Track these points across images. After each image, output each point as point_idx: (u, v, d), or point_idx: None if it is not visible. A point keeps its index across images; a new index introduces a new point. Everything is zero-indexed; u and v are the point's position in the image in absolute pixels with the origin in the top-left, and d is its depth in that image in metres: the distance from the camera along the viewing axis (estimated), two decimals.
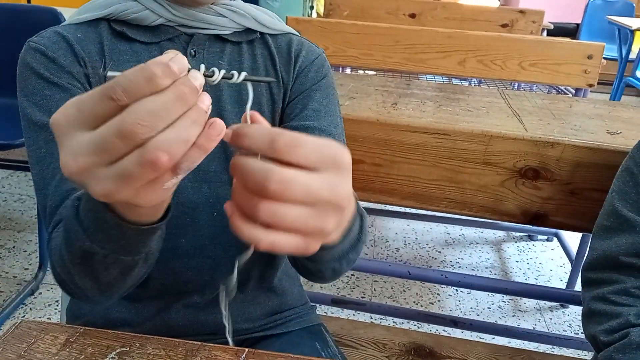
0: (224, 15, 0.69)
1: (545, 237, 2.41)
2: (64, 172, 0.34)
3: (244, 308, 0.77)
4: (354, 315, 1.82)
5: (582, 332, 0.84)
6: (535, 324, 1.89)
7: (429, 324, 1.76)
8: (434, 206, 1.14)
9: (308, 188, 0.35)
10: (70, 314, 0.79)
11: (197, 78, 0.35)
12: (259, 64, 0.73)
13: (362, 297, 1.96)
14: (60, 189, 0.59)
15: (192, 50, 0.69)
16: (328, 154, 0.36)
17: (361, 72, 2.63)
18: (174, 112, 0.33)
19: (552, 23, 3.07)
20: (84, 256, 0.50)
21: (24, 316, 1.75)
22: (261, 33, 0.74)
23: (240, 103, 0.70)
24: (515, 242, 2.42)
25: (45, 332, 0.61)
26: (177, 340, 0.61)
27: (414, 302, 1.96)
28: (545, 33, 2.91)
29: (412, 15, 2.59)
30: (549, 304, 1.99)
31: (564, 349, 1.63)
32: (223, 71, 0.39)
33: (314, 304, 0.89)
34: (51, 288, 1.88)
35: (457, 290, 2.04)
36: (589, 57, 1.87)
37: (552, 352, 1.50)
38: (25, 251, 2.06)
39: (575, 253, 2.00)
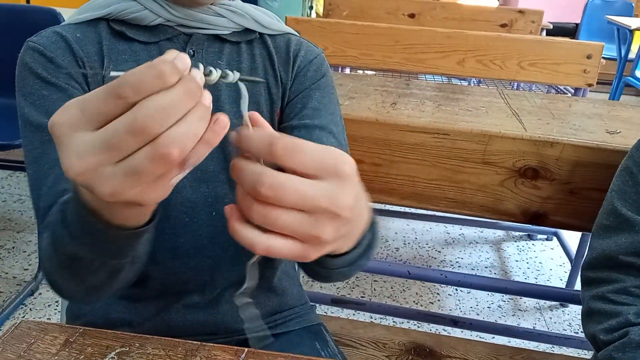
0: (223, 16, 0.69)
1: (545, 236, 2.42)
2: (67, 174, 0.34)
3: None
4: (353, 315, 1.82)
5: (581, 331, 0.84)
6: (535, 324, 1.89)
7: (428, 324, 1.76)
8: (433, 206, 1.15)
9: (301, 194, 0.34)
10: (70, 314, 0.79)
11: (198, 76, 0.36)
12: (257, 64, 0.73)
13: (362, 297, 1.96)
14: (53, 190, 0.59)
15: (190, 50, 0.69)
16: (328, 162, 0.35)
17: (360, 72, 2.64)
18: (183, 107, 0.34)
19: (551, 23, 3.07)
20: (70, 260, 0.50)
21: (23, 316, 1.75)
22: (260, 33, 0.74)
23: (238, 103, 0.70)
24: (515, 241, 2.42)
25: (44, 332, 0.61)
26: (177, 340, 0.61)
27: (414, 301, 1.96)
28: (544, 33, 2.91)
29: (412, 15, 2.59)
30: (548, 303, 1.99)
31: (564, 348, 1.63)
32: (220, 71, 0.39)
33: (313, 304, 0.89)
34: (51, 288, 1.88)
35: (457, 289, 2.04)
36: (588, 57, 1.87)
37: (552, 352, 1.50)
38: (24, 252, 2.06)
39: (574, 252, 2.01)
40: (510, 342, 1.66)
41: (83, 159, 0.34)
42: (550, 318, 1.92)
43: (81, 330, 0.61)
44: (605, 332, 0.76)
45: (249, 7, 0.72)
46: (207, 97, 0.36)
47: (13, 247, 2.09)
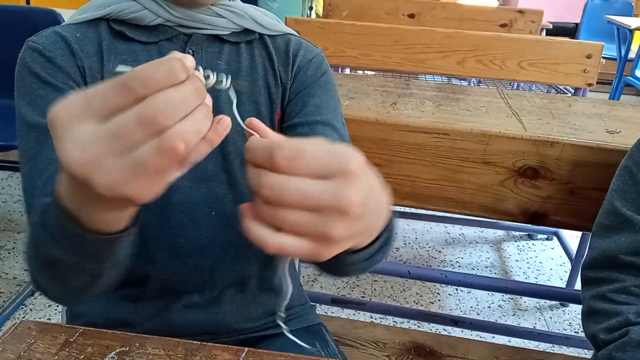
0: (223, 16, 0.69)
1: (545, 236, 2.42)
2: (66, 165, 0.34)
3: (244, 308, 0.77)
4: (354, 314, 1.82)
5: (582, 331, 0.84)
6: (536, 323, 1.89)
7: (429, 324, 1.76)
8: (433, 206, 1.15)
9: (303, 193, 0.34)
10: (70, 314, 0.79)
11: (202, 78, 0.37)
12: (257, 63, 0.73)
13: (362, 297, 1.96)
14: (45, 190, 0.59)
15: (190, 50, 0.69)
16: (332, 161, 0.35)
17: (360, 72, 2.64)
18: (191, 104, 0.35)
19: (551, 23, 3.07)
20: (50, 262, 0.50)
21: (24, 317, 1.75)
22: (259, 34, 0.74)
23: (238, 103, 0.70)
24: (515, 241, 2.42)
25: (44, 332, 0.61)
26: (177, 340, 0.61)
27: (414, 301, 1.96)
28: (544, 33, 2.91)
29: (411, 16, 2.59)
30: (549, 302, 1.99)
31: (564, 347, 1.63)
32: (216, 75, 0.40)
33: (313, 304, 0.89)
34: None
35: (457, 289, 2.04)
36: (588, 57, 1.87)
37: (552, 351, 1.50)
38: (25, 252, 2.06)
39: (575, 252, 2.01)
40: (510, 341, 1.66)
41: (85, 149, 0.34)
42: (551, 318, 1.92)
43: (81, 330, 0.61)
44: (605, 332, 0.76)
45: (248, 7, 0.72)
46: (209, 98, 0.37)
47: (13, 248, 2.09)
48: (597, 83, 1.93)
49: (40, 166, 0.61)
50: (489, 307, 1.96)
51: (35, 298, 1.83)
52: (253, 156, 0.36)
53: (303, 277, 2.01)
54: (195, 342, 0.61)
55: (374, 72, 2.64)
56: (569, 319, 1.92)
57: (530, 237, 2.44)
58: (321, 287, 1.99)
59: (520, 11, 2.58)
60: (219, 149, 0.69)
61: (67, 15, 1.51)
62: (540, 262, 2.25)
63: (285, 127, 0.72)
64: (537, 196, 1.09)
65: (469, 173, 1.10)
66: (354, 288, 2.01)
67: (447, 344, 1.06)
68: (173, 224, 0.69)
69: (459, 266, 2.19)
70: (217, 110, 0.41)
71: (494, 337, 1.70)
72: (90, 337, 0.60)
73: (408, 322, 1.80)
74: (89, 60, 0.67)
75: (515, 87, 2.90)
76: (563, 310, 1.96)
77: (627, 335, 0.73)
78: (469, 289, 2.02)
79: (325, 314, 1.57)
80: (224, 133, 0.37)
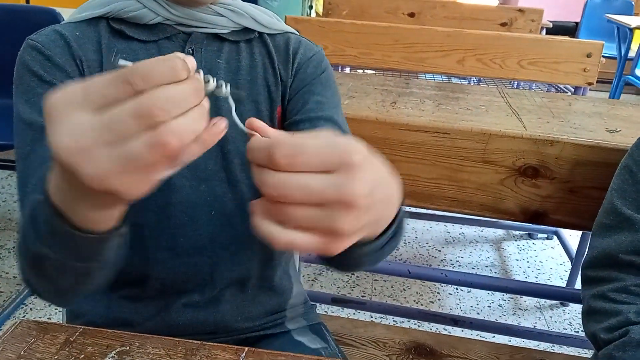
0: (223, 15, 0.69)
1: (545, 235, 2.42)
2: (56, 152, 0.34)
3: (244, 307, 0.77)
4: (354, 314, 1.82)
5: (582, 330, 0.85)
6: (536, 323, 1.89)
7: (429, 323, 1.76)
8: (433, 205, 1.15)
9: (306, 190, 0.34)
10: (70, 314, 0.79)
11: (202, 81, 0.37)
12: (257, 62, 0.73)
13: (362, 296, 1.96)
14: (39, 187, 0.59)
15: (189, 49, 0.69)
16: (333, 155, 0.35)
17: (360, 71, 2.63)
18: (189, 102, 0.35)
19: (551, 22, 3.07)
20: (39, 260, 0.50)
21: (24, 316, 1.75)
22: (259, 32, 0.74)
23: (237, 102, 0.70)
24: (515, 240, 2.42)
25: (45, 332, 0.61)
26: (177, 339, 0.61)
27: (414, 300, 1.96)
28: (544, 32, 2.90)
29: (411, 15, 2.59)
30: (549, 302, 1.99)
31: (564, 347, 1.63)
32: (216, 81, 0.40)
33: (313, 303, 0.89)
34: None
35: (457, 288, 2.04)
36: (588, 56, 1.87)
37: (552, 351, 1.50)
38: (15, 249, 2.06)
39: (575, 251, 2.00)
40: (510, 341, 1.66)
41: (77, 137, 0.33)
42: (551, 317, 1.92)
43: (81, 329, 0.61)
44: (605, 331, 0.76)
45: (248, 6, 0.72)
46: (207, 102, 0.37)
47: (13, 247, 2.09)
48: (597, 82, 1.93)
49: (35, 164, 0.61)
50: (489, 306, 1.96)
51: (36, 298, 1.83)
52: (254, 156, 0.36)
53: (303, 276, 2.01)
54: (195, 341, 0.61)
55: (373, 71, 2.64)
56: (569, 318, 1.92)
57: (531, 236, 2.44)
58: (321, 286, 1.99)
59: (520, 10, 2.57)
60: (218, 148, 0.69)
61: (67, 14, 1.51)
62: (541, 262, 2.25)
63: (286, 124, 0.72)
64: (537, 195, 1.09)
65: (469, 172, 1.09)
66: (354, 287, 2.01)
67: (448, 343, 1.06)
68: (173, 223, 0.69)
69: (459, 265, 2.19)
70: (216, 111, 0.41)
71: (494, 336, 1.70)
72: (91, 337, 0.60)
73: (408, 321, 1.80)
74: (88, 59, 0.67)
75: (515, 86, 2.90)
76: (563, 310, 1.96)
77: (628, 335, 0.73)
78: (469, 289, 2.02)
79: (325, 313, 1.57)
80: (219, 136, 0.37)
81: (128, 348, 0.59)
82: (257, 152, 0.35)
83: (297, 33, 0.78)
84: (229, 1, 0.71)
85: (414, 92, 1.31)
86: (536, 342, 1.63)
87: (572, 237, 2.19)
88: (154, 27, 0.68)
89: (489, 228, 2.46)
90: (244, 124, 0.44)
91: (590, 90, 2.03)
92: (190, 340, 0.61)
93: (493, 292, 2.01)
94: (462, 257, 2.24)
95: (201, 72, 0.38)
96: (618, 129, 1.11)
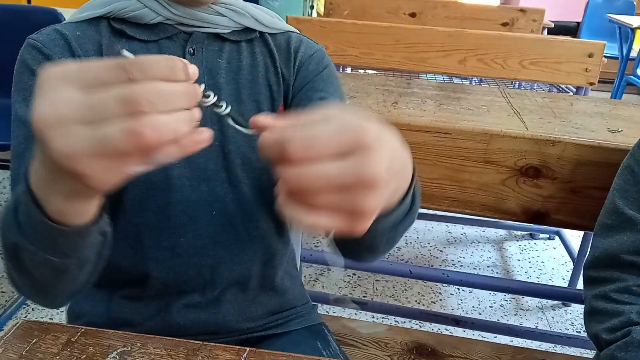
0: (224, 15, 0.69)
1: (547, 235, 2.41)
2: (35, 120, 0.34)
3: (245, 307, 0.77)
4: (355, 314, 1.82)
5: (584, 331, 0.84)
6: (538, 323, 1.89)
7: (430, 323, 1.76)
8: (435, 205, 1.14)
9: (326, 178, 0.34)
10: (72, 314, 0.79)
11: (200, 93, 0.37)
12: (258, 61, 0.73)
13: (364, 297, 1.96)
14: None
15: (190, 49, 0.69)
16: (346, 139, 0.34)
17: (362, 71, 2.63)
18: (178, 102, 0.35)
19: (552, 22, 3.07)
20: (15, 251, 0.50)
21: (26, 316, 1.75)
22: (260, 32, 0.74)
23: (239, 102, 0.70)
24: (517, 240, 2.41)
25: (46, 332, 0.61)
26: (178, 339, 0.61)
27: (416, 301, 1.96)
28: (545, 32, 2.90)
29: (413, 14, 2.59)
30: (551, 302, 1.99)
31: (566, 347, 1.63)
32: (216, 97, 0.40)
33: (315, 303, 0.89)
34: None
35: (458, 289, 2.04)
36: (590, 56, 1.87)
37: (554, 351, 1.50)
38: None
39: (577, 251, 2.00)
40: (512, 341, 1.66)
41: (59, 109, 0.34)
42: (553, 317, 1.92)
43: (83, 330, 0.61)
44: (607, 332, 0.76)
45: (249, 6, 0.72)
46: (198, 111, 0.37)
47: None
48: (599, 82, 1.93)
49: (27, 162, 0.61)
50: (490, 306, 1.95)
51: None
52: (267, 154, 0.35)
53: (305, 276, 2.01)
54: (196, 342, 0.61)
55: (375, 71, 2.64)
56: (571, 318, 1.92)
57: (532, 236, 2.43)
58: (323, 286, 1.99)
59: (522, 10, 2.57)
60: (219, 148, 0.69)
61: (68, 14, 1.51)
62: (542, 262, 2.25)
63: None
64: (539, 195, 1.08)
65: (471, 172, 1.09)
66: (355, 288, 2.01)
67: (449, 343, 1.06)
68: (173, 223, 0.69)
69: (461, 266, 2.19)
70: (218, 115, 0.41)
71: (495, 336, 1.70)
72: (92, 337, 0.60)
73: (410, 321, 1.80)
74: (88, 59, 0.67)
75: (516, 86, 2.90)
76: (565, 310, 1.96)
77: (630, 335, 0.73)
78: (470, 289, 2.02)
79: (327, 313, 1.57)
80: (200, 145, 0.37)
81: (129, 348, 0.59)
82: (269, 149, 0.35)
83: (298, 32, 0.78)
84: (230, 1, 0.71)
85: (416, 92, 1.30)
86: (538, 343, 1.63)
87: (574, 237, 2.19)
88: (155, 26, 0.68)
89: (490, 228, 2.45)
90: (246, 124, 0.43)
91: (591, 90, 2.03)
92: (192, 341, 0.61)
93: (495, 293, 2.01)
94: (463, 258, 2.24)
95: (203, 85, 0.38)
96: (620, 129, 1.11)
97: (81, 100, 0.34)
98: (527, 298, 2.00)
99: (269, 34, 0.74)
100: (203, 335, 0.73)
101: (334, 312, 1.75)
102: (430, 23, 2.50)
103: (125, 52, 0.36)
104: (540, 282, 2.10)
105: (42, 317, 1.75)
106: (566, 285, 2.06)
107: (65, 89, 0.34)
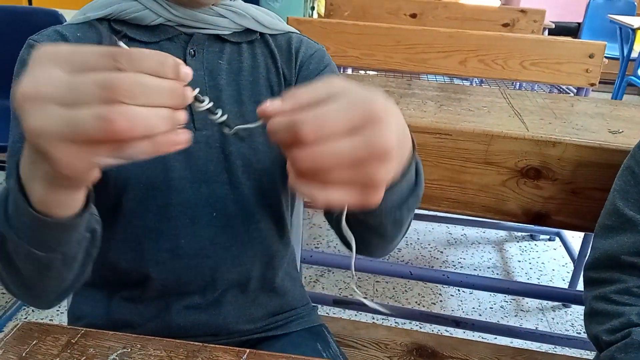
0: (224, 16, 0.69)
1: (548, 236, 2.41)
2: (15, 92, 0.34)
3: (245, 309, 0.77)
4: (355, 315, 1.82)
5: (584, 332, 0.84)
6: (538, 324, 1.88)
7: (430, 324, 1.76)
8: (435, 206, 1.14)
9: (339, 155, 0.34)
10: (72, 315, 0.79)
11: (190, 95, 0.36)
12: (259, 62, 0.73)
13: (364, 298, 1.96)
14: None
15: (191, 50, 0.69)
16: (357, 114, 0.34)
17: (362, 72, 2.63)
18: (158, 98, 0.34)
19: (553, 22, 3.06)
20: (2, 242, 0.50)
21: (26, 318, 1.75)
22: (261, 33, 0.74)
23: (239, 103, 0.70)
24: (518, 241, 2.41)
25: (46, 334, 0.61)
26: (179, 341, 0.61)
27: (416, 302, 1.96)
28: (546, 32, 2.90)
29: (413, 15, 2.59)
30: (551, 303, 1.99)
31: (567, 348, 1.63)
32: (211, 103, 0.40)
33: (315, 305, 0.89)
34: None
35: (459, 290, 2.04)
36: (591, 56, 1.87)
37: (554, 352, 1.49)
38: None
39: (577, 252, 2.00)
40: (512, 342, 1.65)
41: (39, 85, 0.34)
42: (553, 318, 1.92)
43: (83, 331, 0.61)
44: (607, 333, 0.76)
45: (250, 7, 0.72)
46: (183, 114, 0.36)
47: None
48: (600, 83, 1.93)
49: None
50: (491, 308, 1.95)
51: None
52: (278, 138, 0.35)
53: (305, 278, 2.01)
54: (196, 343, 0.61)
55: (375, 72, 2.64)
56: (571, 320, 1.92)
57: (533, 237, 2.43)
58: (323, 288, 1.99)
59: (523, 11, 2.57)
60: (220, 149, 0.69)
61: (69, 15, 1.51)
62: (543, 263, 2.25)
63: None
64: (540, 196, 1.08)
65: (471, 173, 1.09)
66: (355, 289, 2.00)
67: (449, 345, 1.06)
68: (174, 224, 0.69)
69: (461, 267, 2.19)
70: (219, 108, 0.41)
71: (496, 338, 1.70)
72: (92, 339, 0.61)
73: (410, 323, 1.80)
74: None
75: (517, 87, 2.90)
76: (565, 311, 1.96)
77: (630, 337, 0.73)
78: (471, 290, 2.02)
79: (326, 314, 1.57)
80: (176, 146, 0.36)
81: (129, 350, 0.59)
82: (281, 133, 0.35)
83: (299, 32, 0.78)
84: (231, 2, 0.71)
85: (416, 93, 1.30)
86: (538, 344, 1.63)
87: (575, 238, 2.19)
88: (156, 28, 0.68)
89: (491, 229, 2.45)
90: (244, 133, 0.43)
91: (592, 91, 2.03)
92: (192, 342, 0.61)
93: (495, 294, 2.01)
94: (464, 259, 2.24)
95: (197, 89, 0.38)
96: (620, 130, 1.11)
97: (63, 81, 0.34)
98: (527, 299, 2.00)
99: (270, 34, 0.74)
100: (203, 337, 0.73)
101: (334, 313, 1.75)
102: (430, 24, 2.50)
103: (121, 43, 0.36)
104: (540, 284, 2.09)
105: (42, 319, 1.75)
106: (566, 287, 2.06)
107: (52, 68, 0.34)
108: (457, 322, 1.48)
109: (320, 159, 0.34)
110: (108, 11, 0.67)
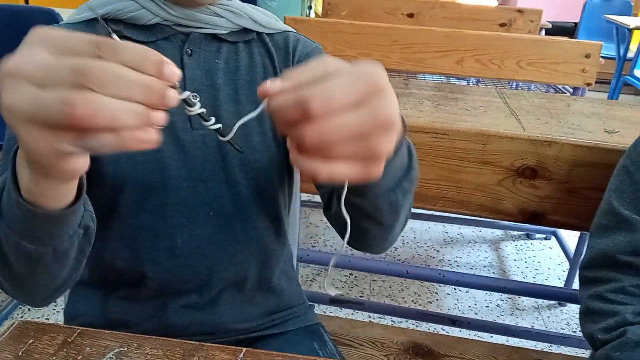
0: (221, 15, 0.69)
1: (543, 235, 2.42)
2: (1, 66, 0.34)
3: (242, 308, 0.77)
4: (352, 314, 1.83)
5: (579, 331, 0.85)
6: (533, 323, 1.89)
7: (427, 323, 1.76)
8: (431, 205, 1.15)
9: (346, 129, 0.34)
10: (68, 315, 0.79)
11: (174, 96, 0.35)
12: (256, 62, 0.73)
13: (361, 297, 1.96)
14: None
15: (188, 50, 0.69)
16: (361, 87, 0.35)
17: None
18: (130, 92, 0.33)
19: (550, 22, 3.07)
20: None
21: (22, 317, 1.75)
22: (258, 32, 0.74)
23: (236, 102, 0.70)
24: (514, 240, 2.42)
25: (42, 333, 0.61)
26: (175, 340, 0.61)
27: (412, 301, 1.96)
28: (543, 32, 2.91)
29: (411, 15, 2.59)
30: (547, 302, 2.00)
31: (562, 347, 1.63)
32: (202, 109, 0.40)
33: (312, 304, 0.89)
34: None
35: (455, 289, 2.04)
36: (587, 56, 1.87)
37: (550, 351, 1.50)
38: None
39: (573, 252, 2.01)
40: (508, 341, 1.66)
41: (21, 63, 0.34)
42: (549, 317, 1.92)
43: (79, 330, 0.61)
44: (602, 332, 0.76)
45: (247, 7, 0.72)
46: (162, 116, 0.35)
47: None
48: (596, 82, 1.93)
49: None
50: (487, 306, 1.96)
51: None
52: (283, 116, 0.35)
53: (301, 276, 2.01)
54: (193, 342, 0.61)
55: None
56: (566, 318, 1.92)
57: (529, 236, 2.44)
58: (319, 286, 1.99)
59: (519, 11, 2.58)
60: (217, 148, 0.69)
61: (66, 14, 1.51)
62: (539, 262, 2.25)
63: None
64: (536, 196, 1.09)
65: (468, 173, 1.10)
66: (352, 288, 2.01)
67: (445, 343, 1.06)
68: (170, 223, 0.69)
69: (457, 266, 2.19)
70: (215, 110, 0.41)
71: (492, 336, 1.70)
72: (88, 338, 0.61)
73: (406, 321, 1.80)
74: None
75: (514, 86, 2.90)
76: (561, 310, 1.97)
77: (625, 335, 0.73)
78: (467, 289, 2.03)
79: (323, 313, 1.57)
80: (143, 145, 0.35)
81: (126, 349, 0.59)
82: (287, 111, 0.34)
83: (295, 31, 0.78)
84: (228, 2, 0.71)
85: (413, 92, 1.31)
86: (534, 342, 1.64)
87: (570, 237, 2.19)
88: (152, 27, 0.68)
89: (487, 228, 2.46)
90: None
91: (588, 90, 2.03)
92: (189, 341, 0.61)
93: (491, 293, 2.01)
94: (460, 258, 2.25)
95: (187, 93, 0.38)
96: (616, 130, 1.11)
97: (44, 62, 0.33)
98: (523, 298, 2.01)
99: (267, 34, 0.74)
100: (200, 336, 0.73)
101: (331, 312, 1.76)
102: (428, 24, 2.50)
103: (115, 36, 0.36)
104: (536, 282, 2.10)
105: (38, 318, 1.75)
106: (562, 285, 2.06)
107: (40, 50, 0.34)
108: (454, 321, 1.48)
109: (327, 133, 0.34)
110: (105, 11, 0.67)
